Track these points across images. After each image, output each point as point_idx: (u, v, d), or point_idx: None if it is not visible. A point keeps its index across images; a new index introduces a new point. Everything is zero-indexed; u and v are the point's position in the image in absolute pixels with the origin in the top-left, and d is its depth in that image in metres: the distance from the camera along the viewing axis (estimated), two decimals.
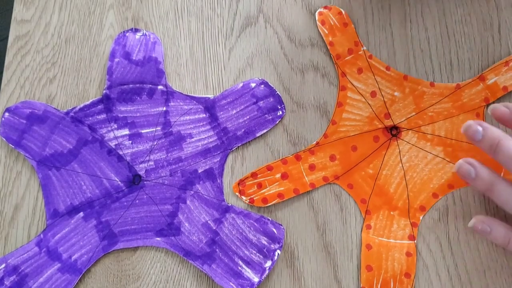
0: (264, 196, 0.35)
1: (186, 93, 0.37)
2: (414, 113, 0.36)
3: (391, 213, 0.35)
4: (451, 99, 0.36)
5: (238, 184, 0.35)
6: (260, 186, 0.35)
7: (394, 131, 0.36)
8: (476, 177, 0.30)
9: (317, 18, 0.38)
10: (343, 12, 0.38)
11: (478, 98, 0.35)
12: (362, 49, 0.37)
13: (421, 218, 0.34)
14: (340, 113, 0.36)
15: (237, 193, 0.35)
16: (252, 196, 0.35)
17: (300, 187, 0.35)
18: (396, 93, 0.36)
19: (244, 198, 0.35)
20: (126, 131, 0.37)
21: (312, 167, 0.35)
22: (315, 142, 0.36)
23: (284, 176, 0.35)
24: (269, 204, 0.35)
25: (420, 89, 0.36)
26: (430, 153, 0.35)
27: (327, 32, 0.37)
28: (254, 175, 0.35)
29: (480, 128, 0.30)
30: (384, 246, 0.34)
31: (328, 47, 0.37)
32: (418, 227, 0.34)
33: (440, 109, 0.36)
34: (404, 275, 0.33)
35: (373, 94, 0.36)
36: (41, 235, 0.35)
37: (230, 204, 0.35)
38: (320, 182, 0.35)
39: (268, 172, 0.35)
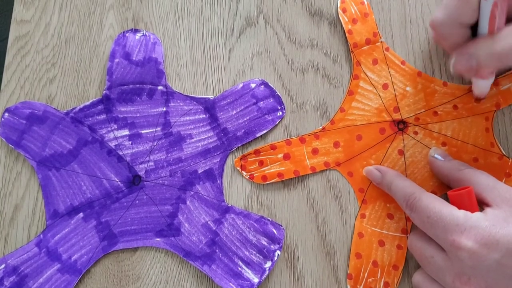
0: (264, 173, 0.35)
1: (186, 94, 0.37)
2: (423, 110, 0.36)
3: (387, 205, 0.35)
4: (462, 100, 0.36)
5: (241, 159, 0.36)
6: (261, 163, 0.36)
7: (401, 125, 0.36)
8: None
9: (338, 6, 0.38)
10: (366, 2, 0.38)
11: (490, 103, 0.35)
12: (380, 40, 0.37)
13: None
14: (350, 101, 0.36)
15: (238, 168, 0.36)
16: (252, 173, 0.36)
17: (300, 169, 0.35)
18: (408, 88, 0.36)
19: (244, 173, 0.36)
20: (126, 132, 0.37)
21: (315, 151, 0.36)
22: (321, 127, 0.36)
23: (286, 157, 0.36)
24: (268, 182, 0.35)
25: (432, 87, 0.36)
26: None
27: (347, 20, 0.37)
28: (257, 152, 0.36)
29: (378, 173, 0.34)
30: (376, 236, 0.34)
31: (347, 35, 0.37)
32: (412, 223, 0.34)
33: (450, 109, 0.36)
34: (392, 267, 0.33)
35: (385, 86, 0.36)
36: (41, 236, 0.35)
37: (230, 205, 0.35)
38: (321, 167, 0.36)
39: (271, 151, 0.36)
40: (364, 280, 0.33)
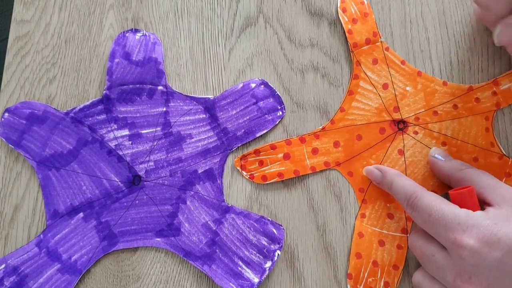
0: (264, 173, 0.35)
1: (186, 94, 0.37)
2: (423, 110, 0.36)
3: (387, 205, 0.35)
4: (462, 100, 0.36)
5: (241, 159, 0.36)
6: (261, 163, 0.36)
7: (401, 125, 0.36)
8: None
9: (338, 5, 0.38)
10: (365, 1, 0.38)
11: (490, 102, 0.35)
12: (380, 40, 0.37)
13: None
14: (350, 101, 0.36)
15: (238, 168, 0.36)
16: (252, 172, 0.36)
17: (300, 169, 0.36)
18: (408, 88, 0.36)
19: (244, 173, 0.36)
20: (126, 132, 0.37)
21: (315, 151, 0.36)
22: (321, 127, 0.36)
23: (286, 157, 0.36)
24: (268, 182, 0.35)
25: (432, 87, 0.36)
26: None
27: (347, 19, 0.37)
28: (257, 152, 0.36)
29: (379, 172, 0.34)
30: (376, 236, 0.34)
31: (347, 35, 0.37)
32: (412, 222, 0.34)
33: (450, 109, 0.36)
34: (393, 267, 0.33)
35: (385, 86, 0.36)
36: (41, 236, 0.35)
37: (230, 205, 0.35)
38: (321, 167, 0.36)
39: (271, 150, 0.36)
40: (364, 280, 0.33)
